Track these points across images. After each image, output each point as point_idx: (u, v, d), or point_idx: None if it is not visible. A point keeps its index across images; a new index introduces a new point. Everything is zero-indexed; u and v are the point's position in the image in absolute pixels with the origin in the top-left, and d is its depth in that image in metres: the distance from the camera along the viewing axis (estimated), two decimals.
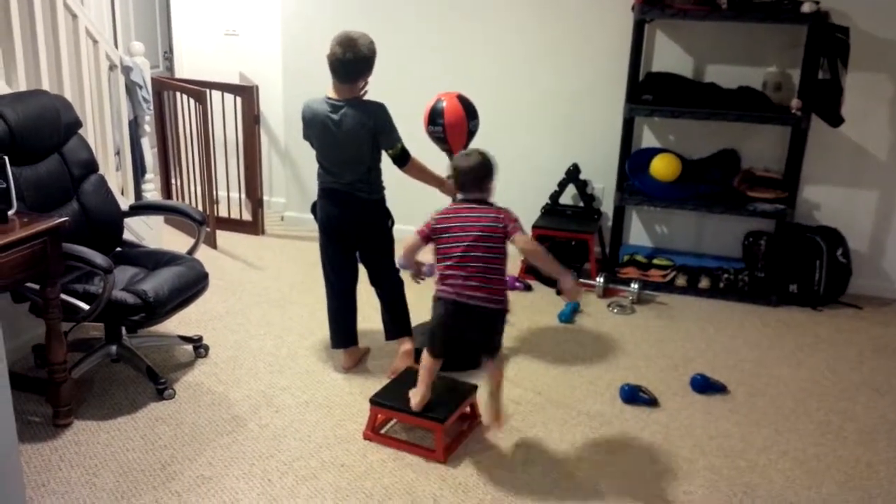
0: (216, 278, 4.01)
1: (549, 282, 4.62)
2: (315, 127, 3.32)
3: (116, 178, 4.37)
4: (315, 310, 4.05)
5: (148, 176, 4.83)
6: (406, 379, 3.23)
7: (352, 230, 3.44)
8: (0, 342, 2.24)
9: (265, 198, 5.59)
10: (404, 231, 4.13)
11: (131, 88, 4.47)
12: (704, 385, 3.49)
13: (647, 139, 4.81)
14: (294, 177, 5.59)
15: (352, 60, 3.16)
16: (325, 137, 3.31)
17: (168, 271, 3.37)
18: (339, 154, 3.32)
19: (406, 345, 3.54)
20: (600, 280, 4.50)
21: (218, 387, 3.44)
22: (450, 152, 3.56)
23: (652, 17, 4.38)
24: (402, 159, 3.31)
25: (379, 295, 3.59)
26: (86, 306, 3.11)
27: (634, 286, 4.44)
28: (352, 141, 3.26)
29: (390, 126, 3.27)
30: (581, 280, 4.63)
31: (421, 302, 3.38)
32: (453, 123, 3.44)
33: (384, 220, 3.47)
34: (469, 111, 3.49)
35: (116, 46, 4.88)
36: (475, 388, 3.19)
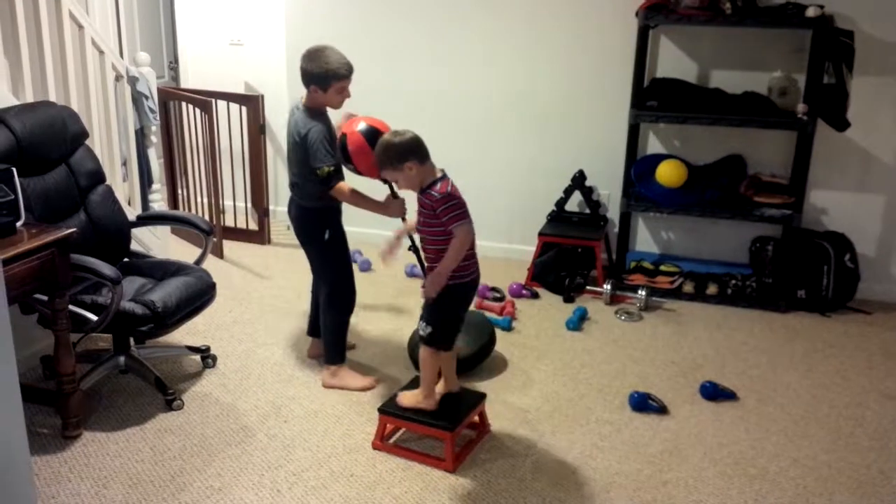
0: (223, 288, 4.01)
1: (557, 289, 4.62)
2: None
3: (123, 189, 4.39)
4: None
5: (155, 186, 4.84)
6: (417, 387, 3.22)
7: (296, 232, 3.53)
8: (11, 354, 2.24)
9: (271, 207, 5.59)
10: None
11: (137, 99, 4.48)
12: (714, 392, 3.48)
13: (653, 145, 4.81)
14: None
15: (302, 69, 3.28)
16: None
17: (176, 281, 3.38)
18: (287, 150, 3.42)
19: (328, 369, 3.56)
20: (607, 287, 4.48)
21: (226, 397, 3.44)
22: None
23: (656, 22, 4.38)
24: (325, 182, 3.22)
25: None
26: (94, 317, 3.11)
27: (642, 293, 4.43)
28: (289, 142, 3.34)
29: (315, 147, 3.18)
30: (588, 287, 4.63)
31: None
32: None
33: (316, 229, 3.40)
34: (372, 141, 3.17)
35: (122, 57, 4.89)
36: (484, 396, 3.18)
